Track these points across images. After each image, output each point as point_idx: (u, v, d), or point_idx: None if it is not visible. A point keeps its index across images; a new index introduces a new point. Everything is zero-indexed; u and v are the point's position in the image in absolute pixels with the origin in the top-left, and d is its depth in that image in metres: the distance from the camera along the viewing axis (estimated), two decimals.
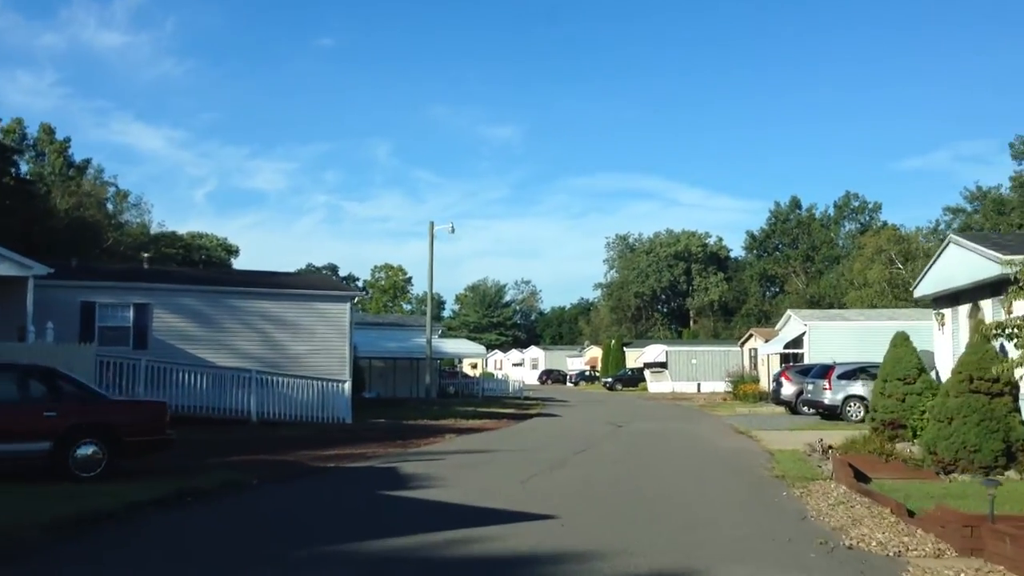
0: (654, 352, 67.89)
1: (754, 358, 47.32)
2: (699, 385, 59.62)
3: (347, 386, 27.14)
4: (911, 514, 10.66)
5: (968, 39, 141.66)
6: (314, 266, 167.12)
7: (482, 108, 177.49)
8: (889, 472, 14.71)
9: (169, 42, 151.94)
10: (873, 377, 28.11)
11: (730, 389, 49.64)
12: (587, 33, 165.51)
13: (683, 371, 65.35)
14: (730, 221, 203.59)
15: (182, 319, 26.11)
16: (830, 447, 17.72)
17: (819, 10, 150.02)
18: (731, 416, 32.37)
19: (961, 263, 19.15)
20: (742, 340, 49.26)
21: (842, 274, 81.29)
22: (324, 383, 26.58)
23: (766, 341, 44.56)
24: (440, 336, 48.49)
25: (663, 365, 65.94)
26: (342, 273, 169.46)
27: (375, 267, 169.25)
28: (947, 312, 21.89)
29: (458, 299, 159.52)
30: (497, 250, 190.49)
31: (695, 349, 67.39)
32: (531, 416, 33.34)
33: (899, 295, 67.44)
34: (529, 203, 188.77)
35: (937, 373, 21.60)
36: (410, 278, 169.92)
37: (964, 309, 20.24)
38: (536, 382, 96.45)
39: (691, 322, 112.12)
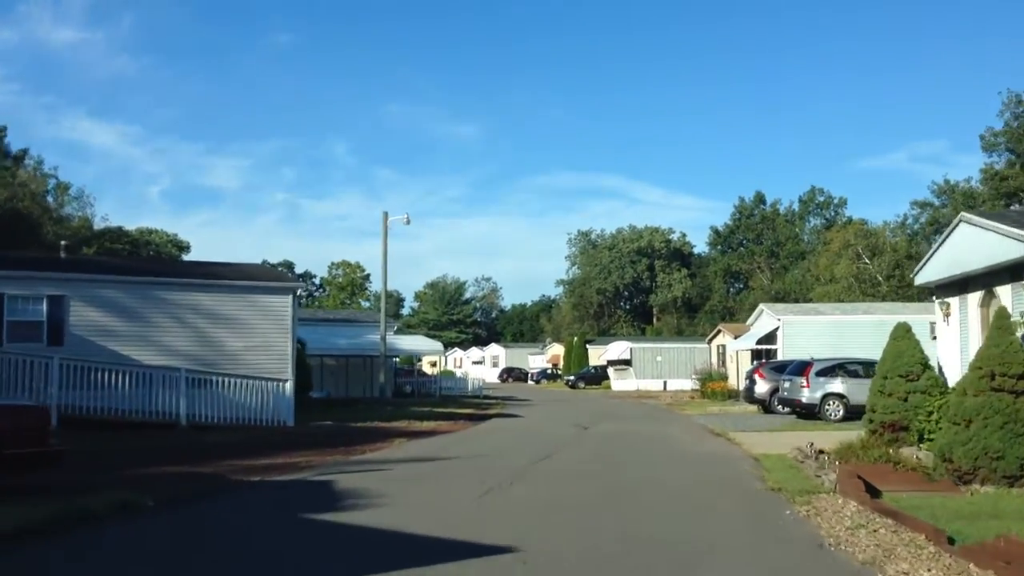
0: (618, 349, 66.12)
1: (722, 355, 45.64)
2: (665, 383, 57.91)
3: (288, 385, 24.79)
4: (951, 541, 8.71)
5: (919, 42, 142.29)
6: (269, 263, 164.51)
7: (441, 106, 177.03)
8: (901, 483, 12.78)
9: (125, 39, 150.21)
10: (853, 374, 26.51)
11: (697, 387, 47.93)
12: (545, 31, 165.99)
13: (648, 369, 63.64)
14: (693, 219, 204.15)
15: (103, 313, 23.58)
16: (821, 451, 15.80)
17: (780, 8, 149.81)
18: (702, 416, 30.53)
19: (974, 244, 17.31)
20: (710, 336, 47.59)
21: (808, 270, 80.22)
22: (264, 383, 24.23)
23: (735, 337, 42.85)
24: (396, 333, 46.18)
25: (627, 363, 64.19)
26: (299, 270, 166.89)
27: (332, 264, 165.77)
28: (953, 301, 20.02)
29: (417, 296, 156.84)
30: (458, 248, 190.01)
31: (660, 346, 65.73)
32: (490, 417, 31.23)
33: (867, 290, 66.35)
34: (490, 201, 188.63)
35: (940, 370, 19.79)
36: (368, 275, 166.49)
37: (975, 297, 18.46)
38: (497, 380, 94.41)
39: (654, 319, 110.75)
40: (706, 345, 65.33)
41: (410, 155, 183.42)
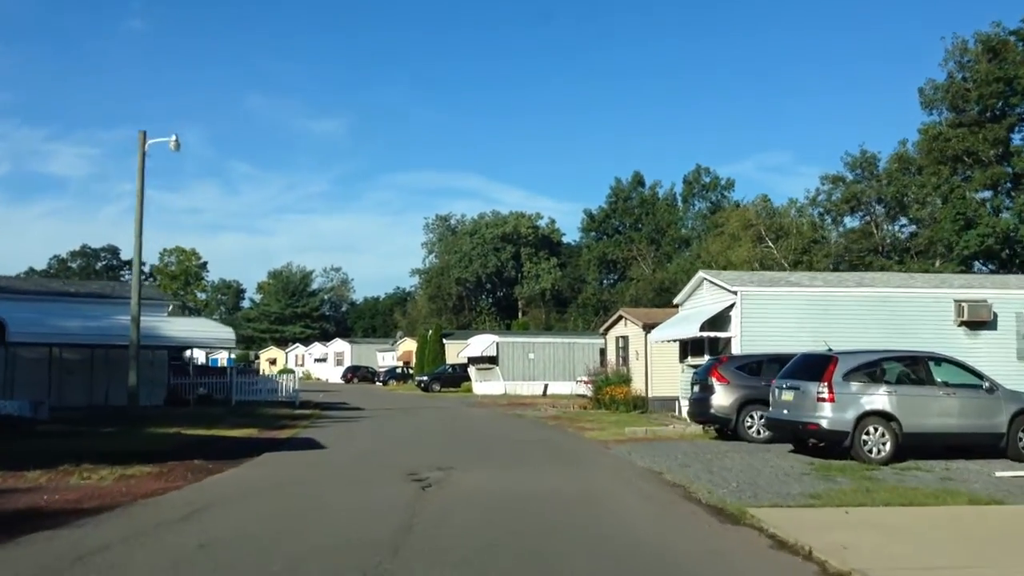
0: (481, 344, 53.97)
1: (623, 349, 34.11)
2: (546, 386, 46.00)
3: None
4: None
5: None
6: (90, 247, 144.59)
7: (303, 101, 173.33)
8: None
9: None
10: (903, 379, 15.20)
11: (587, 392, 36.33)
12: (410, 28, 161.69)
13: (518, 368, 51.81)
14: (561, 211, 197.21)
15: None
16: None
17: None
18: (627, 443, 18.68)
19: None
20: (606, 325, 36.00)
21: (698, 256, 70.35)
22: None
23: (645, 325, 31.36)
24: (169, 315, 32.33)
25: (492, 360, 52.15)
26: (125, 257, 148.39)
27: (164, 250, 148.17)
28: None
29: (260, 288, 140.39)
30: (315, 245, 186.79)
31: (533, 341, 53.94)
32: (277, 446, 18.29)
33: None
34: (350, 198, 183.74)
35: None
36: (205, 263, 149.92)
37: None
38: (340, 380, 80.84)
39: (520, 313, 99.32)
40: (587, 341, 54.04)
41: (269, 149, 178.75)
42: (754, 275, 26.46)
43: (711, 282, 23.34)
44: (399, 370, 72.09)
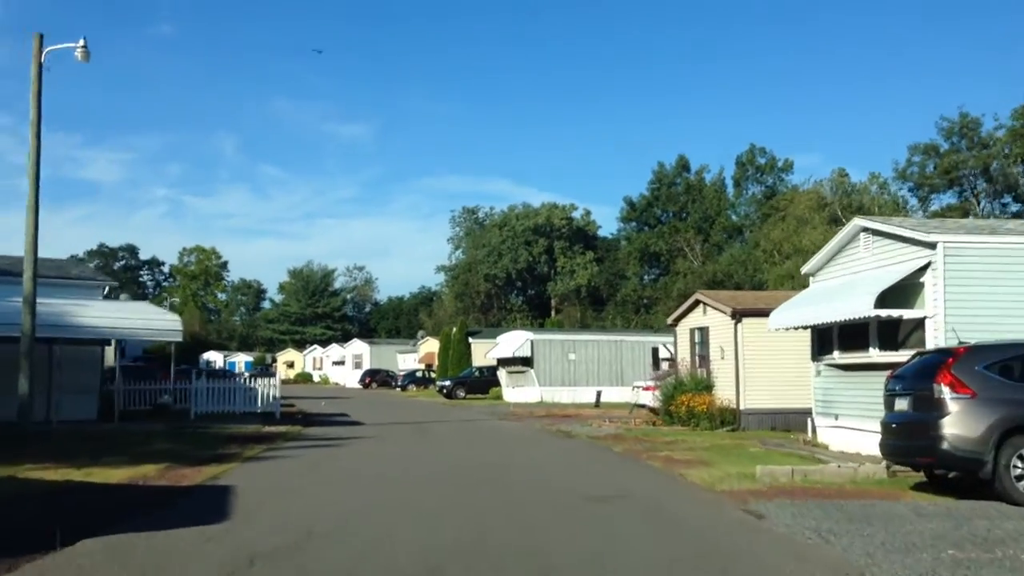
0: (512, 343, 45.87)
1: (701, 345, 25.92)
2: (598, 394, 37.73)
3: None
4: None
5: None
6: (107, 246, 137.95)
7: (331, 104, 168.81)
8: None
9: None
10: None
11: (651, 402, 28.19)
12: (433, 33, 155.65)
13: (556, 371, 43.78)
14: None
15: None
16: None
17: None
18: (779, 500, 10.59)
19: None
20: (676, 314, 27.75)
21: (756, 244, 61.82)
22: None
23: (737, 312, 23.31)
24: (105, 298, 24.34)
25: (526, 362, 44.11)
26: (144, 256, 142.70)
27: (184, 250, 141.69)
28: None
29: (281, 288, 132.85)
30: (346, 250, 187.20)
31: (574, 339, 45.79)
32: (133, 514, 10.26)
33: None
34: (379, 203, 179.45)
35: None
36: (225, 263, 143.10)
37: None
38: (358, 385, 73.08)
39: (553, 311, 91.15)
40: (637, 339, 45.90)
41: (299, 154, 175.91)
42: (952, 222, 18.08)
43: (879, 233, 14.93)
44: (420, 374, 64.05)
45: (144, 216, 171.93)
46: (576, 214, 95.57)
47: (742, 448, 18.05)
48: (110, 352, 28.40)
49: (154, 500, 10.73)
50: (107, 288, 24.84)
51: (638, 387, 31.96)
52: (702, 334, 26.01)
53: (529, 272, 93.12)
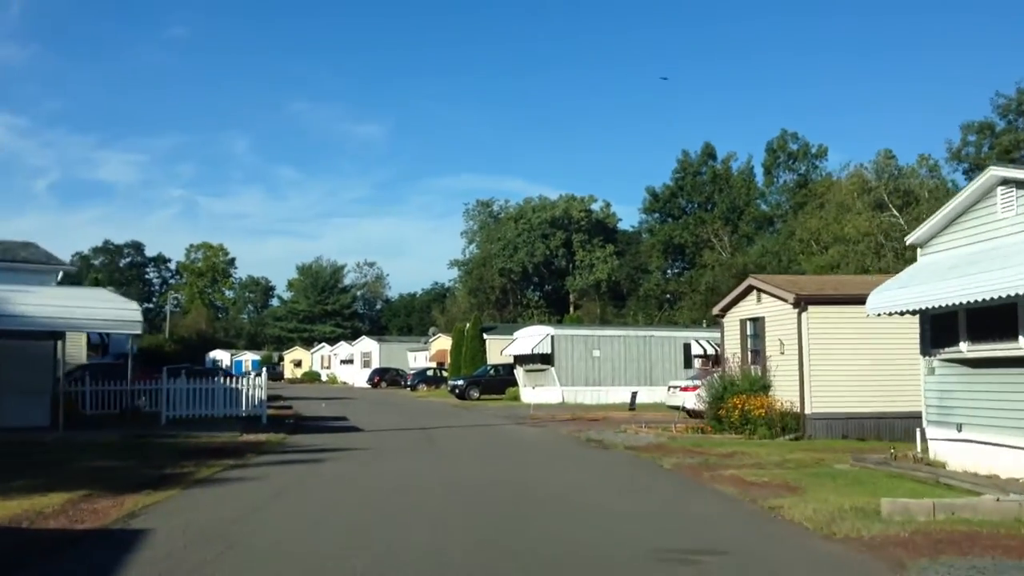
0: (531, 339, 42.11)
1: (756, 338, 22.15)
2: (634, 396, 33.84)
3: None
4: None
5: None
6: (112, 243, 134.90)
7: (345, 105, 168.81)
8: None
9: (14, 27, 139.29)
10: None
11: (695, 404, 24.41)
12: (446, 32, 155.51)
13: (579, 369, 40.05)
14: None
15: None
16: None
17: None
18: (948, 564, 7.03)
19: None
20: (724, 303, 23.93)
21: (791, 234, 57.87)
22: None
23: (800, 300, 19.61)
24: (59, 284, 20.78)
25: (546, 359, 40.39)
26: (150, 253, 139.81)
27: (191, 246, 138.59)
28: None
29: (290, 285, 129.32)
30: (358, 250, 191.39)
31: (599, 334, 41.99)
32: None
33: (901, 252, 44.10)
34: (392, 202, 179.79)
35: None
36: (233, 259, 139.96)
37: None
38: (367, 384, 69.46)
39: (571, 307, 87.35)
40: (667, 334, 42.19)
41: (313, 154, 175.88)
42: None
43: None
44: (431, 372, 60.36)
45: (158, 217, 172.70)
46: (595, 206, 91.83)
47: (826, 465, 14.30)
48: (81, 349, 25.01)
49: (13, 558, 7.10)
50: (61, 273, 21.31)
51: (675, 387, 28.20)
52: (755, 326, 22.21)
53: (546, 266, 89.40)
